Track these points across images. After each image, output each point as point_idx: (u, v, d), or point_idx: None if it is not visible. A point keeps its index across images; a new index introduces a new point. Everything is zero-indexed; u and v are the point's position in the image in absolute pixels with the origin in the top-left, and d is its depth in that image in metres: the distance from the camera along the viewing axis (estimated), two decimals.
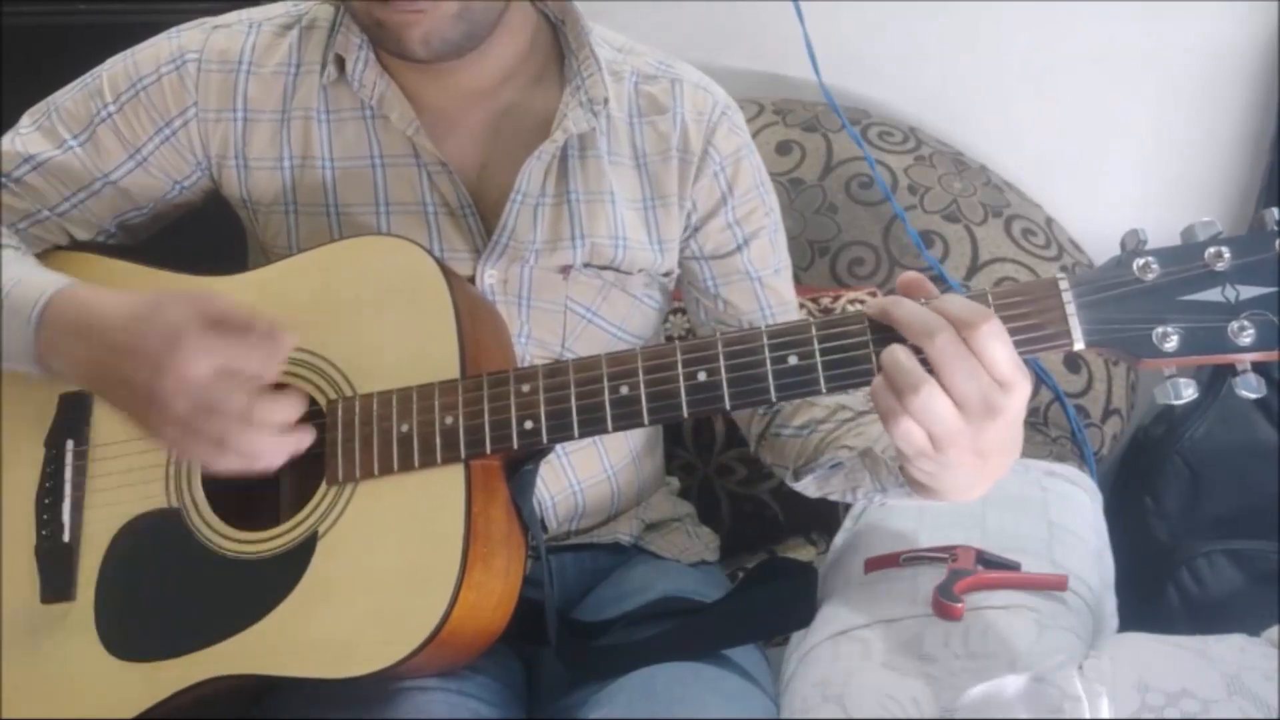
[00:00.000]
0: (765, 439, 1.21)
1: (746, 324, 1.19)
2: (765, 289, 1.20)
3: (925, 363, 0.83)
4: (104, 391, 0.99)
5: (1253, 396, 0.82)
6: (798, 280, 1.67)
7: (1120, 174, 1.82)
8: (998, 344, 0.82)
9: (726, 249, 1.19)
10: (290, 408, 0.94)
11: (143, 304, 0.96)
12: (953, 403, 0.82)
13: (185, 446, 0.94)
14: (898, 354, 0.84)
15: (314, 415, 1.00)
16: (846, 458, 1.07)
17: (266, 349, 0.93)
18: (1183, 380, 0.83)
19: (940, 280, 1.64)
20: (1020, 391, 0.84)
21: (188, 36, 1.13)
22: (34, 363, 1.00)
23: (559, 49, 1.16)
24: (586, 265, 1.14)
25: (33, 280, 1.01)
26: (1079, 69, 1.77)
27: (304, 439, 0.95)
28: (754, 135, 1.73)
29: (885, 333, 0.87)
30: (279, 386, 1.01)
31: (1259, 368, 0.82)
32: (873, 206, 1.70)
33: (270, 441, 0.93)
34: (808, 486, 1.15)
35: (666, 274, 1.20)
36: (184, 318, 0.92)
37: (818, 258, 1.69)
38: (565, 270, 1.14)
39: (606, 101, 1.13)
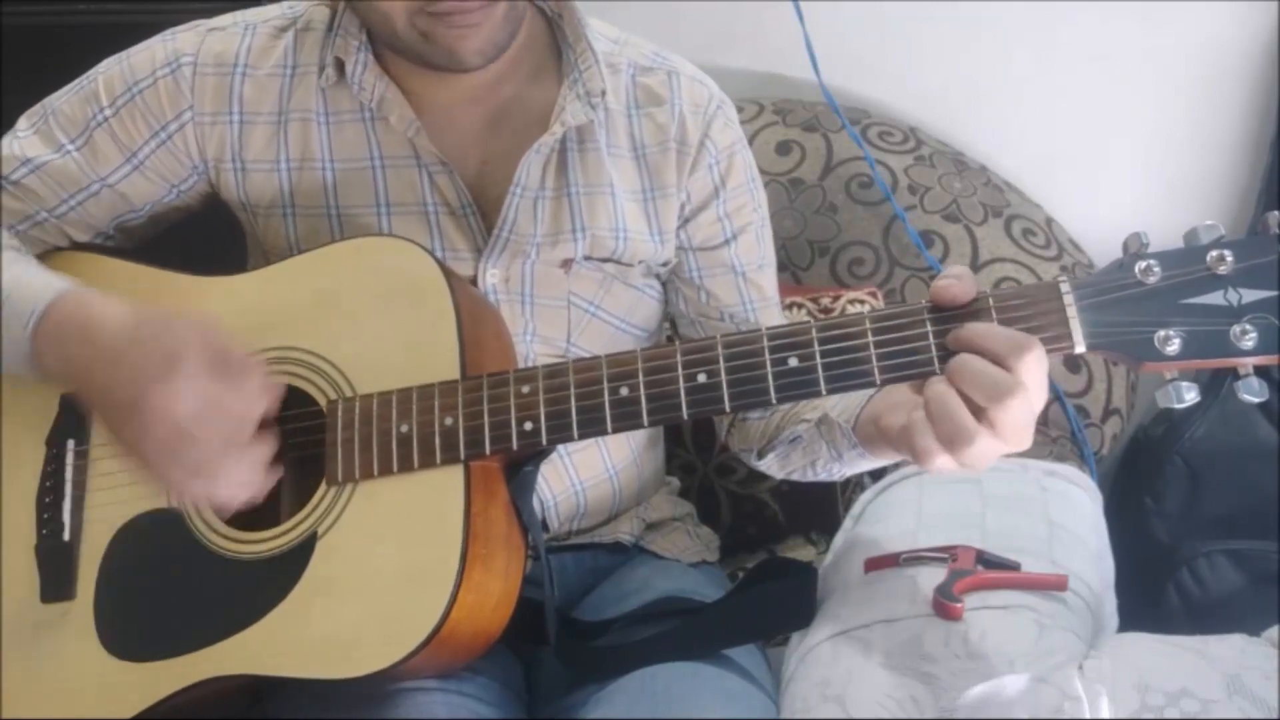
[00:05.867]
0: (734, 426, 1.23)
1: (726, 316, 1.21)
2: (748, 283, 1.21)
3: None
4: (89, 396, 0.99)
5: (1255, 400, 0.81)
6: (797, 280, 1.67)
7: (1120, 174, 1.82)
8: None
9: (714, 242, 1.20)
10: (266, 447, 0.95)
11: (147, 318, 0.95)
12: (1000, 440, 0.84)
13: (157, 466, 0.94)
14: (948, 402, 0.84)
15: (314, 415, 1.00)
16: (805, 430, 1.09)
17: (256, 394, 0.94)
18: (1184, 384, 0.83)
19: None
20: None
21: (183, 39, 1.12)
22: (28, 362, 0.99)
23: (555, 44, 1.16)
24: (587, 258, 1.15)
25: (33, 281, 1.01)
26: (1079, 69, 1.77)
27: (268, 482, 0.96)
28: (754, 135, 1.74)
29: (884, 335, 0.87)
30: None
31: (1261, 371, 0.81)
32: (873, 206, 1.70)
33: (240, 473, 0.94)
34: (771, 466, 1.17)
35: (664, 264, 1.20)
36: (185, 345, 0.92)
37: (818, 258, 1.69)
38: (567, 264, 1.14)
39: (604, 94, 1.13)
